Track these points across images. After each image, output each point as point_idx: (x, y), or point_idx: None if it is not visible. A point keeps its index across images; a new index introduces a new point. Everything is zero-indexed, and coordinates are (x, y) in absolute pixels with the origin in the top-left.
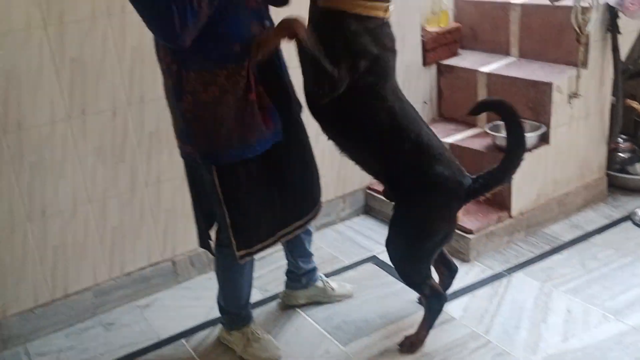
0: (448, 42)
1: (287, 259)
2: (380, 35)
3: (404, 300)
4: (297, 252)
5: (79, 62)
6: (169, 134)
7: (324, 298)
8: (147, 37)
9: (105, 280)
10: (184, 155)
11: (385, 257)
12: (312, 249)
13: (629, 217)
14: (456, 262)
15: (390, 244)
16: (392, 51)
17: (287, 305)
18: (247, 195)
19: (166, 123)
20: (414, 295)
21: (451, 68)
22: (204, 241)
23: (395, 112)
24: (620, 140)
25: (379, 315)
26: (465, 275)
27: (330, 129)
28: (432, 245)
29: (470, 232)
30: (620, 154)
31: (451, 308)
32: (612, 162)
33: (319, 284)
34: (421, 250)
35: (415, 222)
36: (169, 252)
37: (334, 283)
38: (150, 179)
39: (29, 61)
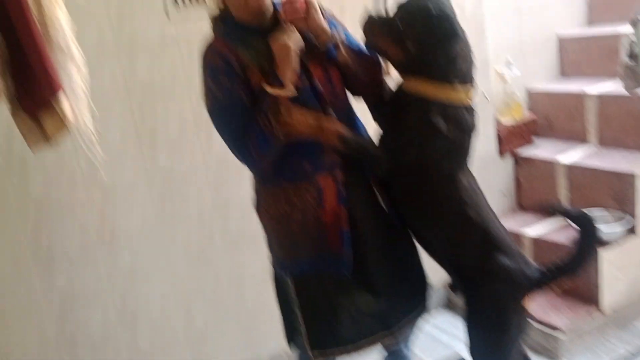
0: (523, 133)
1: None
2: (459, 120)
3: None
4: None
5: (168, 170)
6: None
7: None
8: None
9: None
10: (269, 258)
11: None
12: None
13: None
14: None
15: (473, 351)
16: (469, 136)
17: None
18: (323, 304)
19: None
20: None
21: (528, 159)
22: (288, 339)
23: (464, 200)
24: None
25: None
26: None
27: (399, 205)
28: (508, 339)
29: (559, 329)
30: None
31: None
32: None
33: None
34: (500, 346)
35: (486, 318)
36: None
37: None
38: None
39: (122, 174)
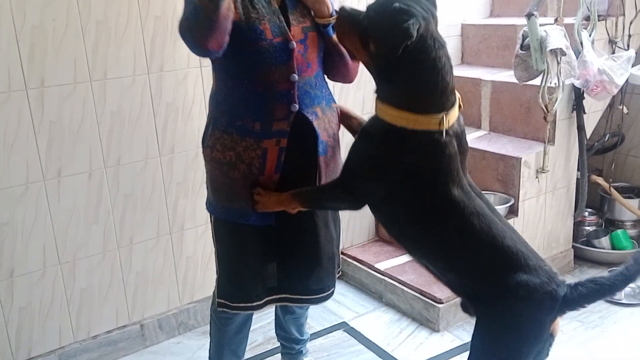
0: None
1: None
2: (434, 149)
3: None
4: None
5: (58, 124)
6: (144, 195)
7: None
8: (126, 102)
9: (71, 344)
10: None
11: (356, 323)
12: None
13: None
14: (425, 331)
15: None
16: (450, 159)
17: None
18: (238, 255)
19: (140, 185)
20: None
21: None
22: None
23: (464, 215)
24: (586, 214)
25: None
26: (434, 345)
27: (391, 230)
28: None
29: (440, 301)
30: (586, 227)
31: None
32: (578, 235)
33: None
34: None
35: (499, 343)
36: (138, 315)
37: None
38: (123, 241)
39: (6, 122)
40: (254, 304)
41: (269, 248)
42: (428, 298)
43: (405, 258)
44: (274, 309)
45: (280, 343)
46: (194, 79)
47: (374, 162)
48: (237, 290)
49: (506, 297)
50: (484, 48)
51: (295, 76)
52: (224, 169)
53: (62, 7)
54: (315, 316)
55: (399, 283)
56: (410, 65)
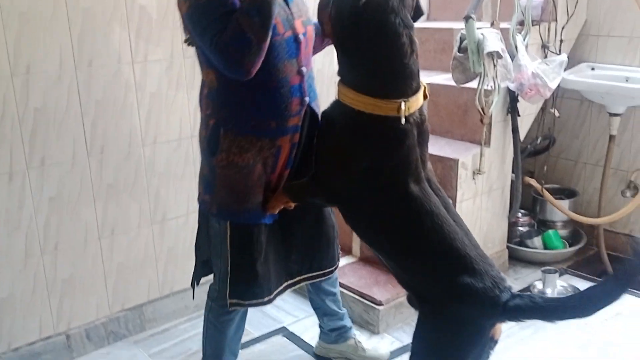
0: None
1: (316, 313)
2: (391, 135)
3: None
4: (321, 311)
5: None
6: (70, 198)
7: (355, 357)
8: (52, 99)
9: None
10: (200, 202)
11: (295, 328)
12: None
13: (528, 289)
14: (366, 333)
15: None
16: (409, 149)
17: (319, 355)
18: (254, 256)
19: (67, 188)
20: None
21: None
22: (193, 281)
23: (419, 214)
24: (519, 214)
25: None
26: None
27: (349, 217)
28: None
29: (379, 303)
30: (519, 227)
31: None
32: (512, 235)
33: (351, 342)
34: None
35: (438, 343)
36: (64, 325)
37: (367, 344)
38: (48, 246)
39: None
40: (269, 297)
41: (278, 240)
42: (368, 300)
43: (345, 261)
44: None
45: (328, 330)
46: (178, 69)
47: (338, 152)
48: (252, 288)
49: (448, 299)
50: (422, 52)
51: (304, 69)
52: (244, 172)
53: None
54: (254, 322)
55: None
56: (369, 41)
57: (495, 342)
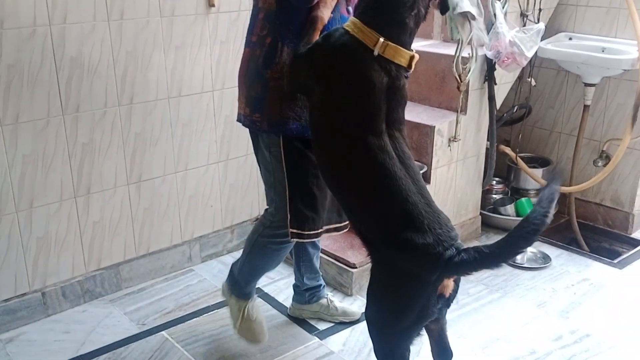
0: None
1: (295, 273)
2: (357, 74)
3: (286, 334)
4: (306, 268)
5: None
6: (45, 155)
7: (327, 316)
8: (86, 48)
9: None
10: (248, 123)
11: (270, 289)
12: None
13: None
14: (339, 295)
15: (366, 316)
16: (374, 96)
17: (292, 316)
18: (309, 174)
19: (42, 146)
20: (296, 329)
21: None
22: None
23: (373, 163)
24: (493, 182)
25: (259, 349)
26: None
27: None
28: (404, 322)
29: (353, 266)
30: (493, 195)
31: (330, 342)
32: (486, 202)
33: (324, 301)
34: (391, 327)
35: (383, 290)
36: (39, 282)
37: (339, 303)
38: (22, 204)
39: None
40: (321, 230)
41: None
42: (342, 263)
43: None
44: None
45: (303, 290)
46: (155, 28)
47: (313, 46)
48: (310, 214)
49: (391, 250)
50: None
51: (351, 7)
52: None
53: None
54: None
55: None
56: None
57: (447, 299)
